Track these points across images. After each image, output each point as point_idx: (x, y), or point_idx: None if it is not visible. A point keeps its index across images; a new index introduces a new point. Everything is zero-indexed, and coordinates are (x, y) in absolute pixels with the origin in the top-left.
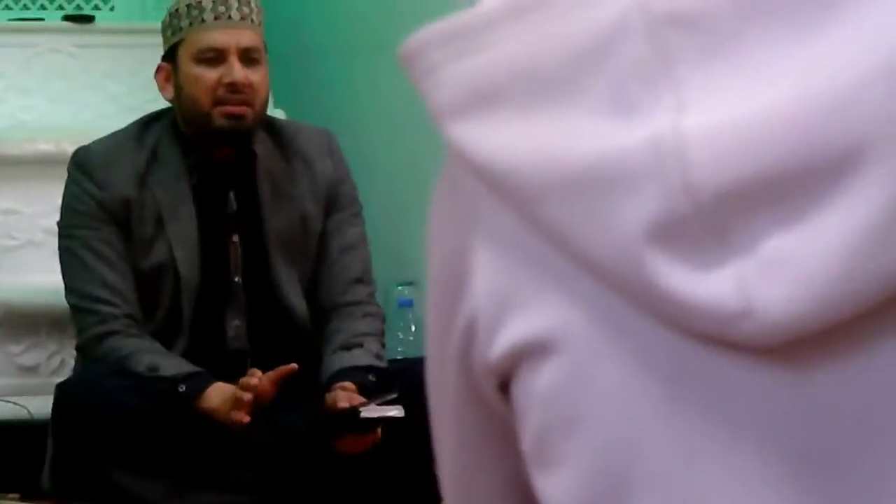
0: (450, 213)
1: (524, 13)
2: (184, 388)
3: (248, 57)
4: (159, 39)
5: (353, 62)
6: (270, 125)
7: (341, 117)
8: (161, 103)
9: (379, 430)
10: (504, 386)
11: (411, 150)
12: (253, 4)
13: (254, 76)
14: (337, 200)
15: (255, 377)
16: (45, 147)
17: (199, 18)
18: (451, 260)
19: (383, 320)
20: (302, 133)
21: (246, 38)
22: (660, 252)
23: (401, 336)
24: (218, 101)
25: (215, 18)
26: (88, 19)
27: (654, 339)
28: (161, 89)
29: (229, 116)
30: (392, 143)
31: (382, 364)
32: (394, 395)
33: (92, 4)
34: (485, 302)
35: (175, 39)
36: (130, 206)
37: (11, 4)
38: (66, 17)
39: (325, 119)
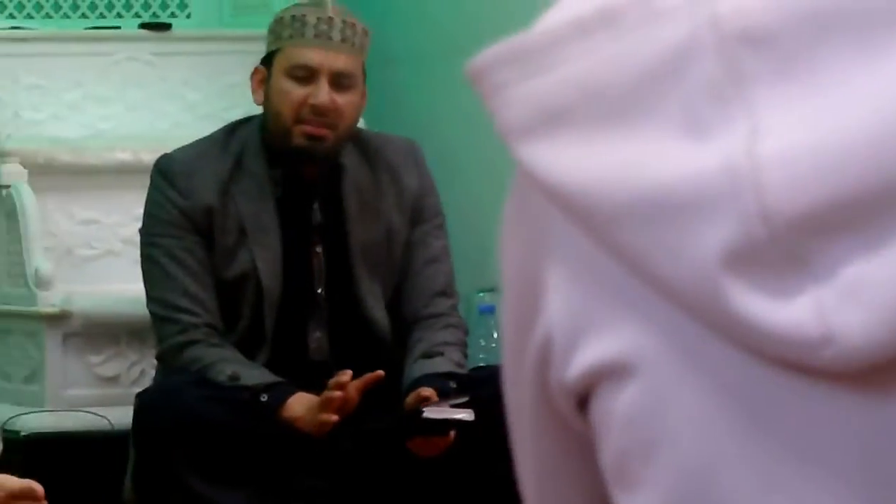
0: (521, 233)
1: (590, 32)
2: (266, 397)
3: (340, 81)
4: (237, 47)
5: (431, 69)
6: (357, 136)
7: (420, 124)
8: (238, 111)
9: (452, 433)
10: (582, 403)
11: (491, 155)
12: (358, 29)
13: (342, 100)
14: (422, 212)
15: (347, 375)
16: (123, 156)
17: (300, 33)
18: (523, 280)
19: (466, 332)
20: (389, 145)
21: (341, 61)
22: (737, 279)
23: (482, 343)
24: (300, 120)
25: (315, 36)
26: (165, 27)
27: (731, 365)
28: (252, 91)
29: (309, 137)
30: (472, 148)
31: (463, 371)
32: (464, 399)
33: (168, 12)
34: (559, 324)
35: (273, 47)
36: (213, 216)
37: (88, 13)
38: (143, 25)
39: (404, 126)
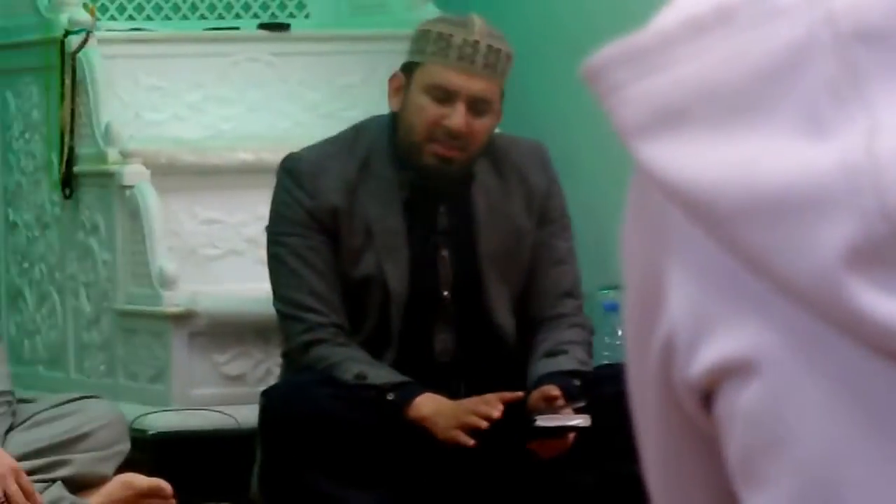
0: (641, 232)
1: (706, 30)
2: (392, 396)
3: (477, 106)
4: (355, 46)
5: (554, 68)
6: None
7: (545, 122)
8: (357, 110)
9: (570, 436)
10: (706, 401)
11: (613, 153)
12: (502, 55)
13: (476, 125)
14: (548, 213)
15: (497, 410)
16: (245, 156)
17: (444, 53)
18: (644, 279)
19: (592, 331)
20: (516, 146)
21: (481, 87)
22: (858, 276)
23: (607, 340)
24: (432, 139)
25: (458, 59)
26: (284, 27)
27: (853, 362)
28: (389, 97)
29: (439, 157)
30: (593, 145)
31: (587, 369)
32: (581, 404)
33: (287, 12)
34: (682, 322)
35: (416, 59)
36: (339, 216)
37: (207, 14)
38: (262, 26)
39: (528, 125)
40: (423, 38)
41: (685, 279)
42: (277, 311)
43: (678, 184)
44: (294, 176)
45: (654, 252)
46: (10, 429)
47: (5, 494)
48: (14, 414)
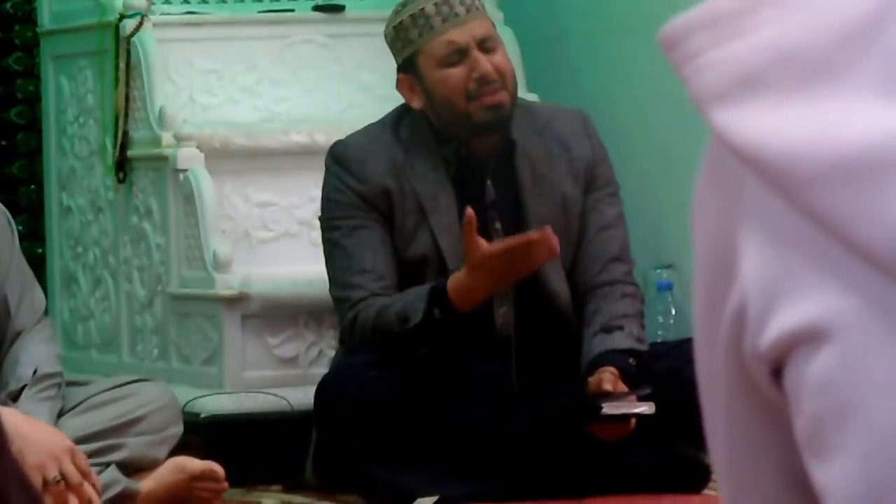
0: (715, 200)
1: None
2: (437, 312)
3: (486, 45)
4: None
5: (600, 47)
6: (524, 109)
7: (594, 101)
8: None
9: (632, 420)
10: (776, 372)
11: (664, 134)
12: None
13: (497, 61)
14: (595, 180)
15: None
16: (298, 138)
17: (428, 26)
18: (716, 246)
19: (642, 300)
20: (558, 116)
21: (478, 28)
22: None
23: (661, 320)
24: (472, 97)
25: (443, 21)
26: (339, 9)
27: None
28: (408, 100)
29: (489, 108)
30: (642, 126)
31: (643, 347)
32: (647, 391)
33: None
34: (754, 288)
35: (409, 51)
36: (391, 197)
37: None
38: (317, 8)
39: (578, 103)
40: (402, 32)
41: (759, 246)
42: (332, 297)
43: (756, 149)
44: (342, 163)
45: (729, 219)
46: (62, 412)
47: (62, 474)
48: (64, 397)
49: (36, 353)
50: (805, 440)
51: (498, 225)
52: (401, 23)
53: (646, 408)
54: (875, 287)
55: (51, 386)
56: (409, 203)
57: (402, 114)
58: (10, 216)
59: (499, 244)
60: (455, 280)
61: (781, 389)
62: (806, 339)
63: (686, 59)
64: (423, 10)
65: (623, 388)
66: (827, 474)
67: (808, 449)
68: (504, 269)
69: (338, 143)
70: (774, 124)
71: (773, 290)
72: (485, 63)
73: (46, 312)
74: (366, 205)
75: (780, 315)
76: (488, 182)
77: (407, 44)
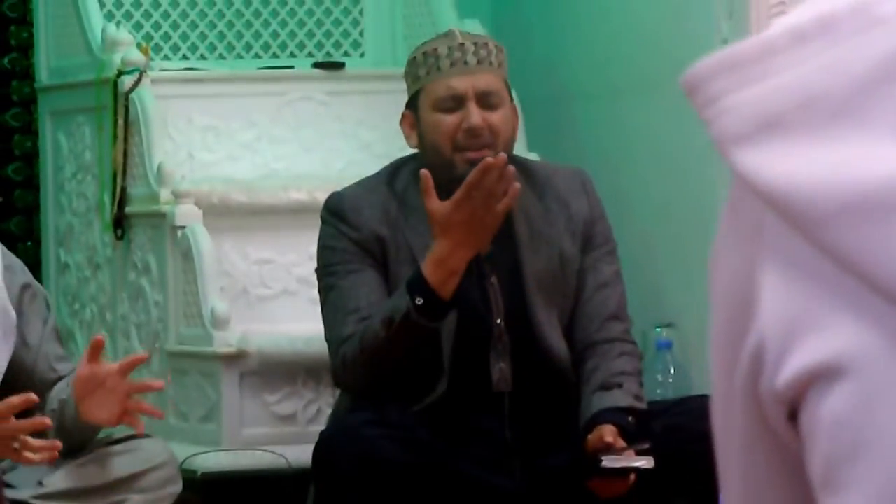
0: (735, 241)
1: (806, 40)
2: (420, 300)
3: (487, 101)
4: None
5: (603, 105)
6: (523, 167)
7: (594, 160)
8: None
9: (631, 476)
10: (793, 414)
11: (663, 194)
12: (491, 47)
13: (493, 119)
14: (592, 238)
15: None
16: (297, 196)
17: (436, 66)
18: (736, 287)
19: (641, 358)
20: (557, 174)
21: (483, 81)
22: None
23: (660, 378)
24: (458, 147)
25: (451, 65)
26: (339, 66)
27: None
28: (406, 137)
29: (471, 162)
30: (644, 185)
31: (642, 405)
32: (646, 446)
33: (342, 51)
34: (773, 327)
35: (415, 88)
36: (385, 245)
37: (261, 53)
38: (316, 65)
39: (579, 162)
40: (413, 68)
41: (778, 284)
42: (326, 340)
43: (776, 188)
44: (337, 212)
45: (749, 260)
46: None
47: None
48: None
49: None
50: (819, 477)
51: (494, 280)
52: (414, 58)
53: (645, 462)
54: (892, 324)
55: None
56: (403, 253)
57: (397, 167)
58: (48, 297)
59: (456, 194)
60: (427, 259)
61: (797, 432)
62: (822, 376)
63: (708, 103)
64: (436, 49)
65: (622, 444)
66: None
67: (821, 486)
68: (470, 221)
69: (333, 195)
70: (794, 164)
71: (791, 329)
72: (476, 117)
73: None
74: (360, 251)
75: (798, 353)
76: None
77: (415, 80)
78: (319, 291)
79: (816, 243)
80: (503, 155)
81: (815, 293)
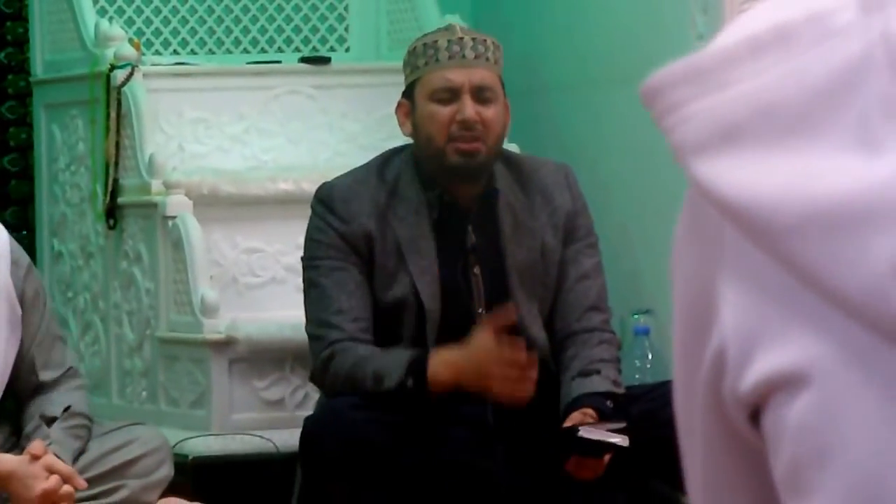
0: (694, 248)
1: (764, 50)
2: (411, 381)
3: (481, 95)
4: (394, 79)
5: (581, 97)
6: (509, 160)
7: (572, 151)
8: (396, 141)
9: (606, 457)
10: (754, 416)
11: (641, 183)
12: (489, 43)
13: (486, 113)
14: (574, 232)
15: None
16: (285, 186)
17: (435, 58)
18: (696, 294)
19: (619, 347)
20: (541, 168)
21: (479, 76)
22: None
23: (637, 364)
24: (451, 138)
25: (449, 58)
26: (325, 61)
27: None
28: (400, 125)
29: (461, 153)
30: (622, 175)
31: (620, 390)
32: (622, 425)
33: (328, 46)
34: (733, 335)
35: (412, 77)
36: (372, 240)
37: (249, 48)
38: (303, 59)
39: (558, 152)
40: (412, 57)
41: (738, 293)
42: (307, 332)
43: (734, 200)
44: (327, 203)
45: (708, 268)
46: (81, 452)
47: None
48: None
49: (69, 396)
50: (783, 482)
51: (477, 270)
52: (414, 49)
53: (620, 439)
54: (851, 334)
55: (82, 426)
56: (390, 245)
57: (388, 158)
58: (43, 281)
59: (500, 350)
60: (442, 353)
61: (759, 432)
62: (785, 384)
63: (667, 111)
64: (436, 41)
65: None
66: None
67: (786, 490)
68: (487, 371)
69: (324, 185)
70: (753, 175)
71: (751, 337)
72: (470, 110)
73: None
74: (346, 246)
75: (759, 361)
76: (469, 228)
77: (413, 69)
78: (303, 280)
79: (775, 256)
80: (535, 371)
81: (774, 304)
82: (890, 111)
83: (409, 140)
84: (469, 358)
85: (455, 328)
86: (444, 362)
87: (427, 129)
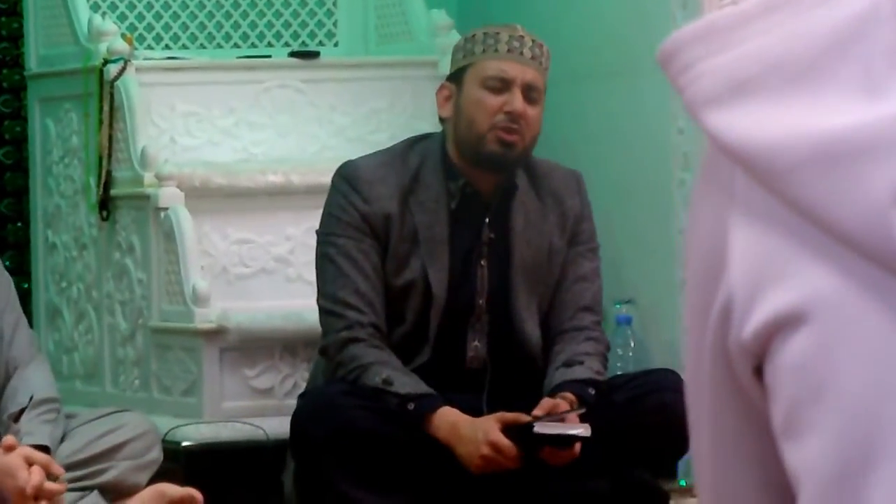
0: (708, 198)
1: (776, 8)
2: (412, 406)
3: (530, 94)
4: (381, 73)
5: (563, 90)
6: (527, 162)
7: (555, 143)
8: (384, 134)
9: (577, 446)
10: (759, 370)
11: (622, 175)
12: (544, 49)
13: (530, 111)
14: (578, 235)
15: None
16: (274, 179)
17: (494, 48)
18: (710, 242)
19: (608, 347)
20: (555, 172)
21: (531, 74)
22: None
23: (620, 352)
24: (494, 126)
25: (508, 51)
26: (314, 55)
27: None
28: (439, 107)
29: (502, 142)
30: (604, 167)
31: (602, 379)
32: (582, 410)
33: (317, 41)
34: (741, 279)
35: (465, 62)
36: (391, 223)
37: (240, 42)
38: (293, 54)
39: (541, 145)
40: (469, 43)
41: (747, 237)
42: (320, 307)
43: (741, 144)
44: (351, 181)
45: (721, 214)
46: (63, 437)
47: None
48: (65, 419)
49: (33, 381)
50: (781, 424)
51: (484, 262)
52: (473, 35)
53: (581, 430)
54: (853, 268)
55: (50, 410)
56: (407, 229)
57: (411, 144)
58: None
59: (507, 444)
60: (453, 414)
61: (763, 388)
62: (785, 323)
63: (682, 70)
64: (497, 33)
65: (564, 407)
66: (801, 455)
67: (783, 433)
68: (478, 454)
69: (348, 163)
70: (760, 122)
71: (757, 280)
72: (520, 102)
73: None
74: (366, 226)
75: (763, 303)
76: (487, 220)
77: (468, 54)
78: (317, 255)
79: (780, 195)
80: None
81: (780, 244)
82: (894, 61)
83: (402, 132)
84: (469, 438)
85: (457, 316)
86: (447, 422)
87: (471, 113)
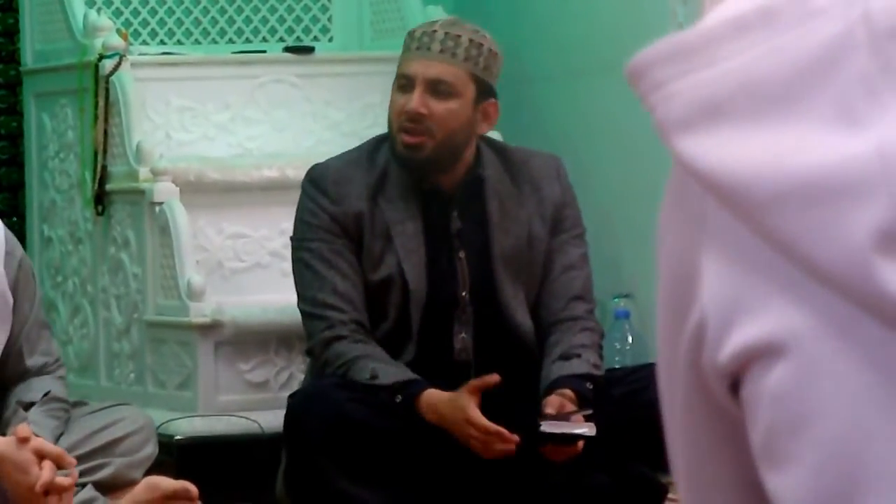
0: (678, 222)
1: (749, 29)
2: (400, 397)
3: (437, 88)
4: (376, 68)
5: (563, 87)
6: (500, 149)
7: (554, 139)
8: (379, 129)
9: (580, 443)
10: (734, 387)
11: (621, 169)
12: (463, 40)
13: (437, 107)
14: (562, 222)
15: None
16: (269, 173)
17: (407, 47)
18: (679, 266)
19: (602, 336)
20: (532, 158)
21: (436, 70)
22: (888, 259)
23: (618, 346)
24: (401, 128)
25: (417, 48)
26: (309, 50)
27: (882, 343)
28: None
29: (405, 145)
30: (602, 162)
31: (600, 373)
32: (589, 412)
33: (312, 36)
34: (714, 307)
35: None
36: (362, 221)
37: (235, 38)
38: (287, 49)
39: (540, 140)
40: (403, 44)
41: (720, 266)
42: (301, 311)
43: (716, 174)
44: (318, 184)
45: (691, 240)
46: (62, 434)
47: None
48: (73, 407)
49: (49, 383)
50: (760, 450)
51: (462, 254)
52: (407, 34)
53: (586, 429)
54: (829, 305)
55: (60, 409)
56: (378, 226)
57: (379, 142)
58: (34, 271)
59: (485, 423)
60: (437, 396)
61: (738, 402)
62: (763, 353)
63: (652, 89)
64: (414, 32)
65: (570, 407)
66: (780, 483)
67: (762, 458)
68: (463, 431)
69: (315, 166)
70: (735, 150)
71: (731, 308)
72: (414, 103)
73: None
74: (338, 228)
75: (739, 330)
76: (454, 214)
77: (400, 55)
78: (293, 260)
79: (755, 228)
80: (514, 445)
81: (754, 275)
82: (869, 89)
83: None
84: (450, 415)
85: (440, 309)
86: (430, 406)
87: (389, 115)
